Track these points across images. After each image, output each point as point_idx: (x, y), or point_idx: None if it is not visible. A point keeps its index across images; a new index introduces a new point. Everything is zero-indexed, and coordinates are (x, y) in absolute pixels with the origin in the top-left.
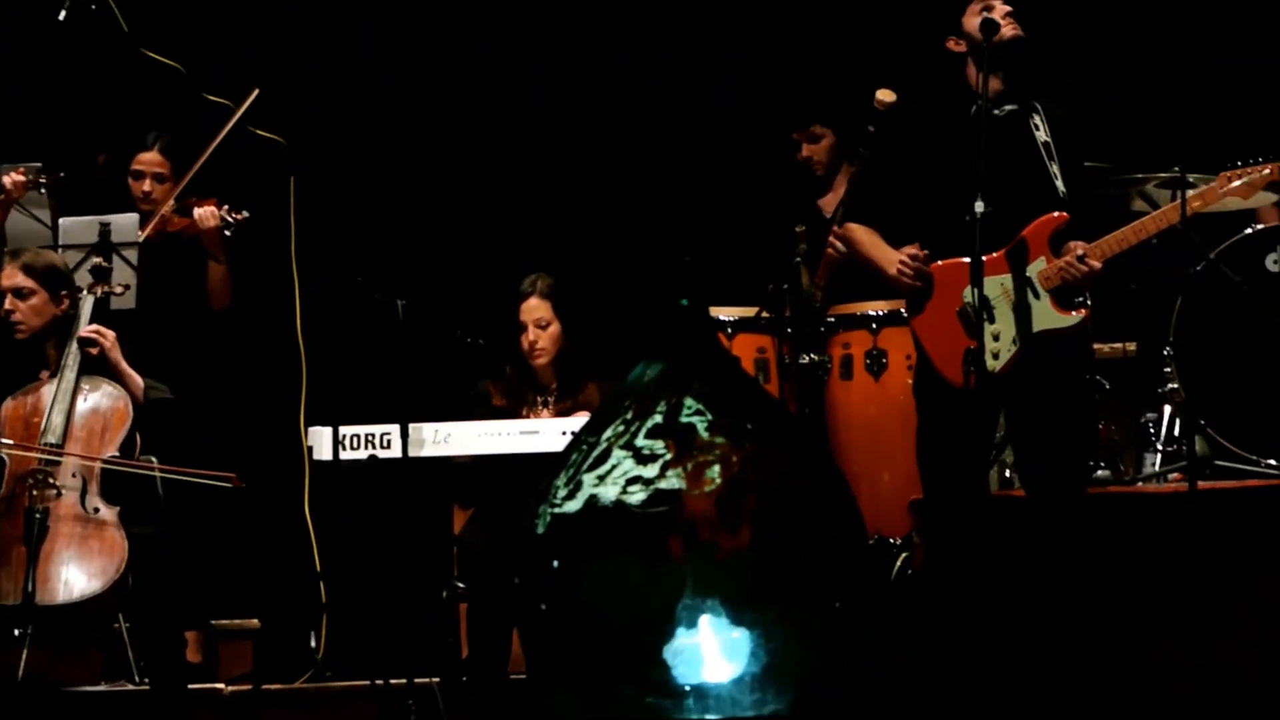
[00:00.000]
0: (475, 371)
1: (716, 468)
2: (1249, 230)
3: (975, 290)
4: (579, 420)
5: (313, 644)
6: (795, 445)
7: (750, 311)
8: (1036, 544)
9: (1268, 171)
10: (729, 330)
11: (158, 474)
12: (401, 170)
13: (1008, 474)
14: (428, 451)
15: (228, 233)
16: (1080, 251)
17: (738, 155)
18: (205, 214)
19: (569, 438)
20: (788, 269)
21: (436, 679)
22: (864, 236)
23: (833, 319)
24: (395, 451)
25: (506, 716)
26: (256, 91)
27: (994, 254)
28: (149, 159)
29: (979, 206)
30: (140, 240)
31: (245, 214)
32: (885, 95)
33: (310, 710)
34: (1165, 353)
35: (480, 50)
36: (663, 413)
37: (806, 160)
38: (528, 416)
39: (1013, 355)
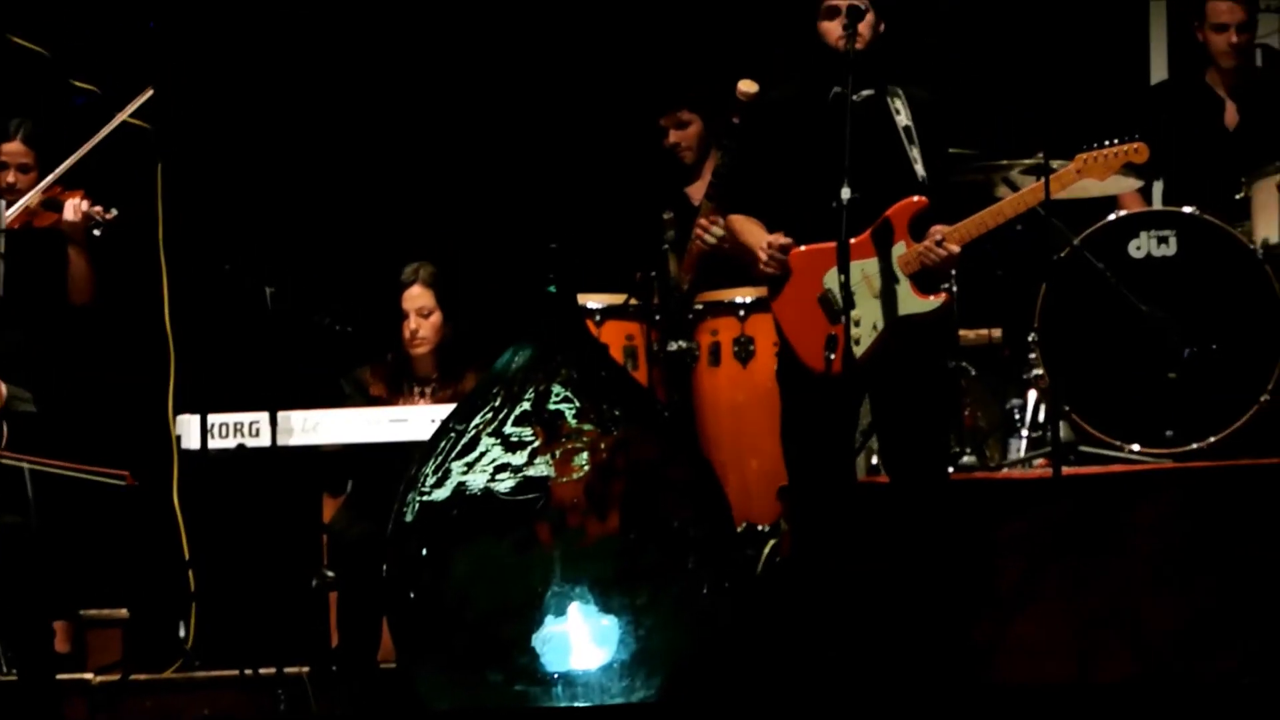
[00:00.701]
0: (345, 359)
1: (585, 454)
2: (1112, 216)
3: (842, 275)
4: (449, 409)
5: (182, 633)
6: (662, 432)
7: (618, 299)
8: (901, 530)
9: (1122, 152)
10: (597, 317)
11: (46, 469)
12: (272, 156)
13: (874, 460)
14: (297, 440)
15: (96, 232)
16: (939, 236)
17: (606, 142)
18: (73, 209)
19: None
20: (656, 256)
21: (306, 668)
22: (746, 225)
23: (700, 306)
24: (264, 440)
25: (376, 705)
26: (150, 91)
27: (854, 239)
28: (12, 149)
29: (845, 193)
30: (3, 231)
31: (115, 213)
32: (747, 86)
33: (179, 699)
34: (1030, 339)
35: (350, 34)
36: (531, 400)
37: (674, 146)
38: (403, 405)
39: (873, 341)
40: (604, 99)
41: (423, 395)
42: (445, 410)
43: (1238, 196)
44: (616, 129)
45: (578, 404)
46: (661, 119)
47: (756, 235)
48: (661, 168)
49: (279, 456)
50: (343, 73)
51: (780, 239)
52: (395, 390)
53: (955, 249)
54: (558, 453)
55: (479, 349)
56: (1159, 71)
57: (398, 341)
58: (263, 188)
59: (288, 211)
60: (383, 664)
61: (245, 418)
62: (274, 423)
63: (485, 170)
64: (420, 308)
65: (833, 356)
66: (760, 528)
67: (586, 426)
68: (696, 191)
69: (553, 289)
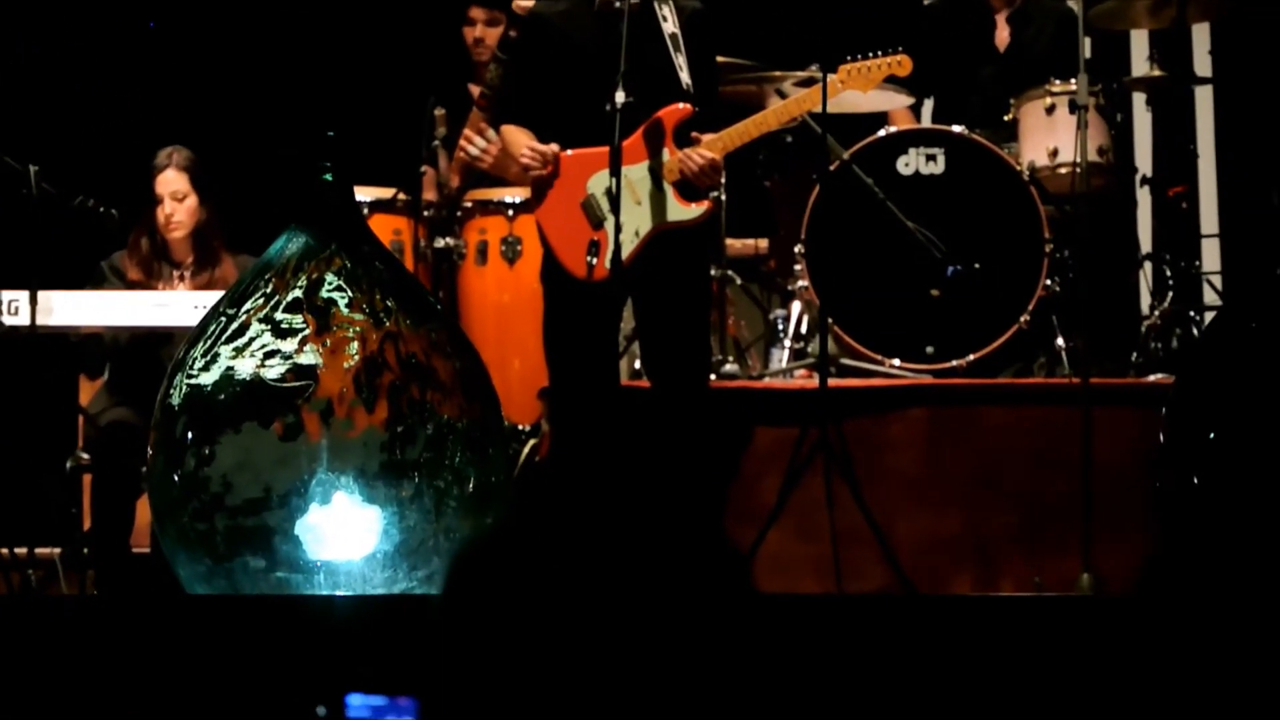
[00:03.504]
0: (108, 243)
1: (355, 345)
2: (882, 133)
3: (614, 179)
4: (212, 295)
5: None
6: (435, 326)
7: (387, 193)
8: (662, 435)
9: (885, 64)
10: (365, 210)
11: None
12: (41, 33)
13: (637, 365)
14: (56, 320)
15: None
16: (700, 144)
17: (388, 24)
18: None
19: (201, 311)
20: (426, 152)
21: (57, 550)
22: (516, 135)
23: (469, 204)
24: (23, 319)
25: (128, 588)
26: None
27: (620, 145)
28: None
29: (619, 96)
30: None
31: None
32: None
33: None
34: (796, 250)
35: None
36: (303, 287)
37: (477, 41)
38: (162, 290)
39: (635, 247)
40: None
41: (180, 280)
42: (210, 297)
43: (1006, 118)
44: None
45: (351, 294)
46: (475, 8)
47: (520, 144)
48: (449, 59)
49: (37, 338)
50: None
51: (541, 146)
52: (150, 274)
53: (716, 157)
54: (328, 341)
55: (241, 234)
56: None
57: (153, 226)
58: (28, 64)
59: (53, 90)
60: (135, 549)
61: (4, 295)
62: (34, 301)
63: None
64: (174, 191)
65: (593, 262)
66: (520, 428)
67: (358, 317)
68: (477, 91)
69: (329, 177)
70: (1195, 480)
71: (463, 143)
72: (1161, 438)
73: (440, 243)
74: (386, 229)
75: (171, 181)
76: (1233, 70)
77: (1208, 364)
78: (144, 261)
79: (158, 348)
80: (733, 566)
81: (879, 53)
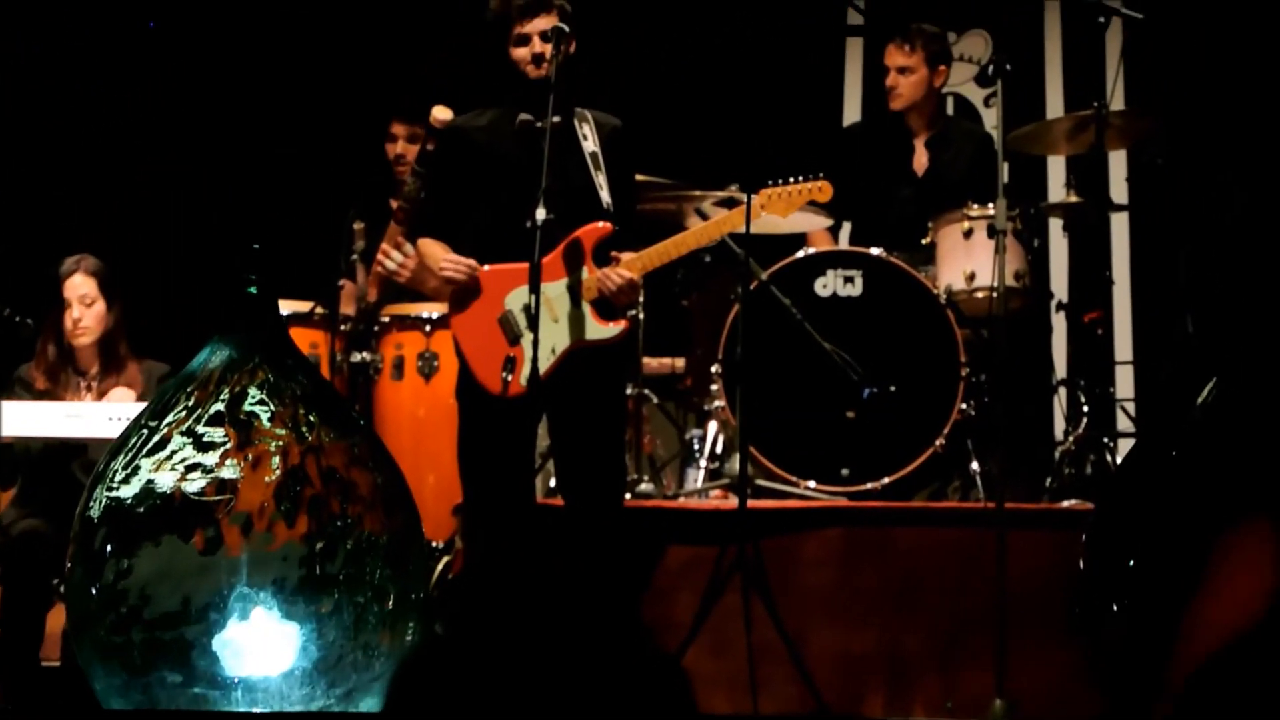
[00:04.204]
0: (22, 352)
1: (277, 458)
2: (800, 254)
3: (534, 295)
4: (128, 406)
5: None
6: (358, 440)
7: (305, 306)
8: (576, 553)
9: (806, 189)
10: None
11: None
12: None
13: (552, 483)
14: None
15: None
16: (620, 263)
17: (310, 141)
18: None
19: (114, 422)
20: (345, 265)
21: None
22: (433, 249)
23: (387, 319)
24: None
25: (38, 701)
26: None
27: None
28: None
29: (540, 213)
30: None
31: None
32: (440, 112)
33: None
34: (714, 370)
35: (32, 19)
36: (225, 400)
37: (397, 158)
38: (70, 399)
39: (552, 364)
40: (327, 93)
41: (87, 389)
42: (125, 409)
43: (924, 241)
44: (327, 129)
45: (273, 407)
46: (397, 124)
47: (438, 258)
48: (369, 172)
49: None
50: (38, 62)
51: (459, 260)
52: (57, 383)
53: (635, 276)
54: (250, 455)
55: (149, 343)
56: (853, 112)
57: (60, 334)
58: None
59: None
60: (45, 661)
61: None
62: None
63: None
64: (82, 296)
65: (509, 378)
66: (434, 544)
67: (280, 430)
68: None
69: (254, 290)
70: (1114, 608)
71: (380, 256)
72: (1081, 564)
73: (357, 357)
74: (304, 342)
75: (79, 286)
76: (1148, 197)
77: (1128, 491)
78: (50, 370)
79: (69, 458)
80: (648, 684)
81: (800, 177)
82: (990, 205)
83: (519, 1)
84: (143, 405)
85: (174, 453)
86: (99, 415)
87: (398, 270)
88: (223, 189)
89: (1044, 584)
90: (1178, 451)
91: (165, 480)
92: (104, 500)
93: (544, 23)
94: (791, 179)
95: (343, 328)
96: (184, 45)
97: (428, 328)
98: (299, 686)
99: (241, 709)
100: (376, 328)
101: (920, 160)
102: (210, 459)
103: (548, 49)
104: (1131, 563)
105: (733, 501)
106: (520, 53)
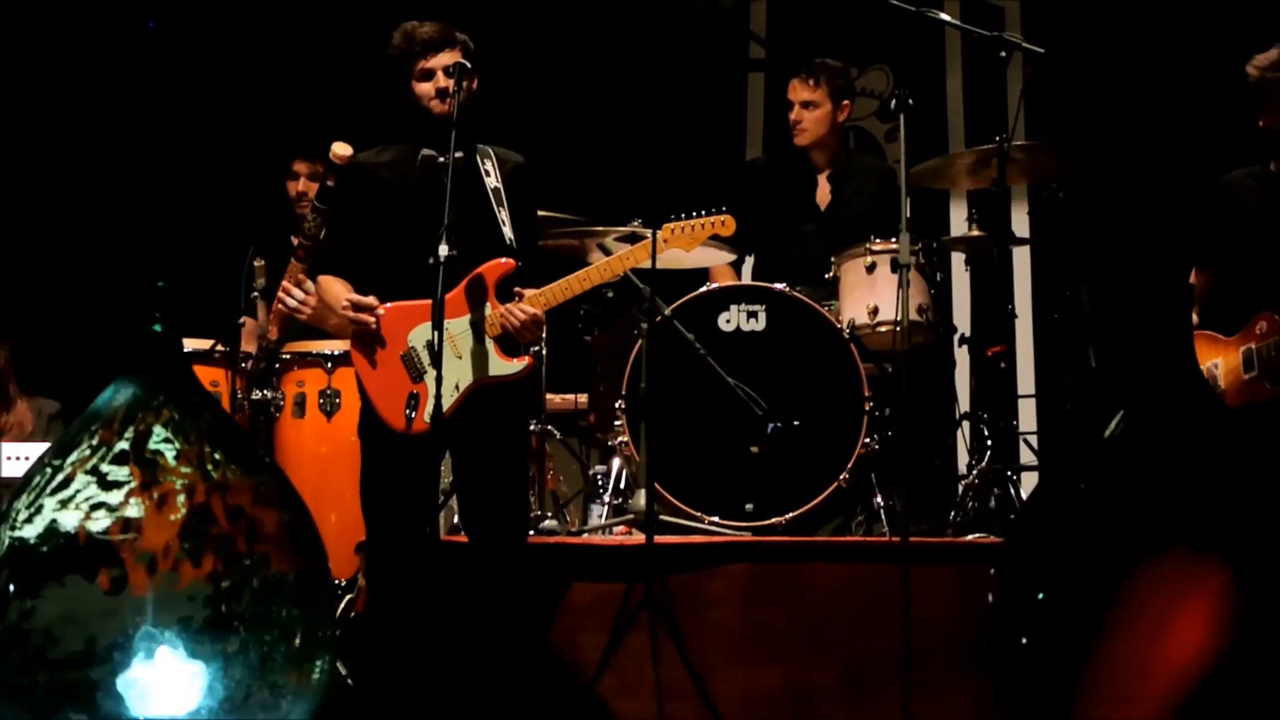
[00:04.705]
0: None
1: (182, 497)
2: (703, 289)
3: (437, 332)
4: (30, 446)
5: None
6: (264, 478)
7: (205, 344)
8: (480, 590)
9: (708, 223)
10: None
11: None
12: None
13: (455, 520)
14: None
15: None
16: (523, 299)
17: (213, 177)
18: None
19: (13, 462)
20: (245, 303)
21: None
22: (333, 286)
23: (288, 356)
24: None
25: None
26: None
27: (443, 299)
28: None
29: (443, 250)
30: None
31: None
32: (340, 149)
33: None
34: (617, 406)
35: None
36: (130, 439)
37: (299, 195)
38: None
39: (455, 401)
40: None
41: None
42: (19, 448)
43: (827, 275)
44: (228, 167)
45: (178, 445)
46: (299, 162)
47: (339, 296)
48: (270, 210)
49: None
50: None
51: (360, 299)
52: None
53: (538, 312)
54: (155, 494)
55: (41, 379)
56: (755, 147)
57: None
58: None
59: None
60: None
61: None
62: None
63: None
64: None
65: (413, 415)
66: (337, 582)
67: (186, 469)
68: None
69: (158, 327)
70: (1024, 640)
71: (281, 294)
72: (989, 598)
73: (258, 394)
74: (204, 380)
75: None
76: (1050, 231)
77: (1036, 525)
78: None
79: None
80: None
81: (703, 212)
82: (893, 240)
83: (423, 37)
84: (45, 445)
85: (78, 492)
86: None
87: (299, 308)
88: (122, 226)
89: (950, 618)
90: (1086, 485)
91: (69, 520)
92: (7, 541)
93: (447, 58)
94: (694, 214)
95: (244, 365)
96: (85, 79)
97: (329, 365)
98: None
99: None
100: (278, 365)
101: (823, 194)
102: (115, 498)
103: (451, 84)
104: (1040, 597)
105: (637, 538)
106: (424, 88)
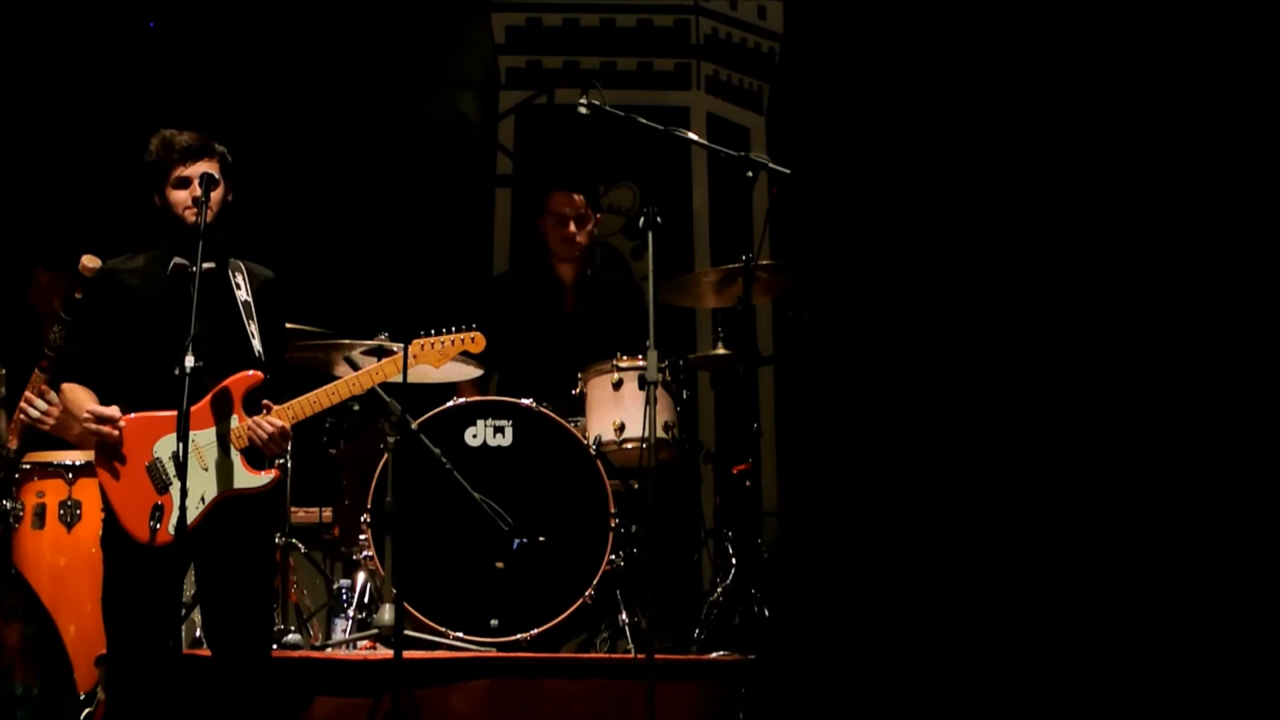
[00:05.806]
0: None
1: None
2: (450, 404)
3: (182, 443)
4: None
5: None
6: (6, 590)
7: None
8: (222, 704)
9: (457, 340)
10: None
11: None
12: None
13: (198, 633)
14: None
15: None
16: (271, 411)
17: None
18: None
19: None
20: None
21: None
22: (76, 395)
23: (28, 465)
24: None
25: None
26: None
27: (191, 410)
28: None
29: (189, 361)
30: None
31: None
32: (90, 261)
33: None
34: (362, 520)
35: None
36: None
37: (42, 303)
38: None
39: (200, 513)
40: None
41: None
42: None
43: (574, 391)
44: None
45: None
46: (42, 273)
47: (82, 405)
48: (11, 319)
49: None
50: None
51: (103, 410)
52: None
53: (286, 425)
54: None
55: None
56: (502, 261)
57: None
58: None
59: None
60: None
61: None
62: None
63: None
64: None
65: (157, 526)
66: (78, 695)
67: None
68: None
69: None
70: None
71: (23, 404)
72: (741, 716)
73: None
74: None
75: None
76: (794, 349)
77: (786, 642)
78: None
79: None
80: None
81: (453, 328)
82: (640, 357)
83: (181, 145)
84: None
85: None
86: None
87: (41, 419)
88: None
89: None
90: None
91: None
92: None
93: (205, 167)
94: (444, 330)
95: None
96: None
97: (70, 475)
98: None
99: None
100: (17, 475)
101: (570, 309)
102: None
103: (215, 191)
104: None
105: (381, 652)
106: (179, 196)
